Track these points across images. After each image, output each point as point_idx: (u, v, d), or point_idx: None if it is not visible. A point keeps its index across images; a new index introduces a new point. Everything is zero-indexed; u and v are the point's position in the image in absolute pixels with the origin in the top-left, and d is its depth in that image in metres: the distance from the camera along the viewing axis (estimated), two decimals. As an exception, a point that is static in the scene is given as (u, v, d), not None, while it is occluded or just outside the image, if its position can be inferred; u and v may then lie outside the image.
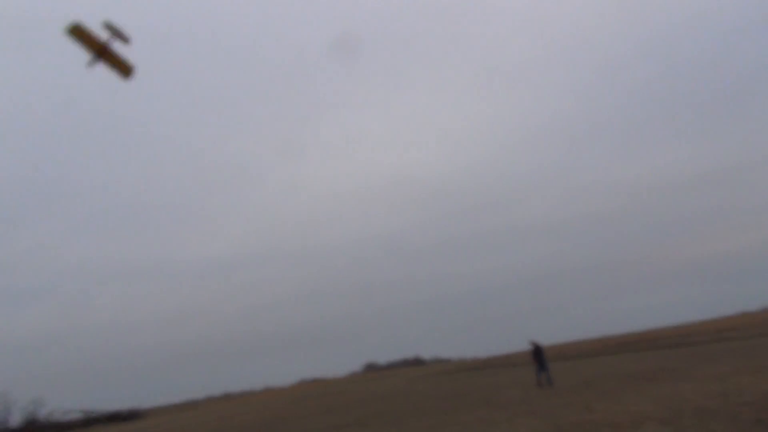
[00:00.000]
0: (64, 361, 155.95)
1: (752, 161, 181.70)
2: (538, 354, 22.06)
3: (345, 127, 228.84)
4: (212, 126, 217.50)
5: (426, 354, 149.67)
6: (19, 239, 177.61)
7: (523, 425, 12.23)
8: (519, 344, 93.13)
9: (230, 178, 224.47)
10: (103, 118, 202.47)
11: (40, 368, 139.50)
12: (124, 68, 11.05)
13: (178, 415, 71.45)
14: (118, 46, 10.78)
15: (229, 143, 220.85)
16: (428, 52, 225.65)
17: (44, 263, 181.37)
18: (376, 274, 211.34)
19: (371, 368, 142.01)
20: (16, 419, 71.80)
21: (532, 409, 15.02)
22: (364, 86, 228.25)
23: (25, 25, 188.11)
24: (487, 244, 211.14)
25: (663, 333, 62.25)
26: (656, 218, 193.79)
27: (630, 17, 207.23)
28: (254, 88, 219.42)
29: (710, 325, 61.81)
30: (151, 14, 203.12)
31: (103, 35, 10.48)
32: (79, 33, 10.19)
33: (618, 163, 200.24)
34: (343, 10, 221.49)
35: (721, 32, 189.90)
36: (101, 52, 10.60)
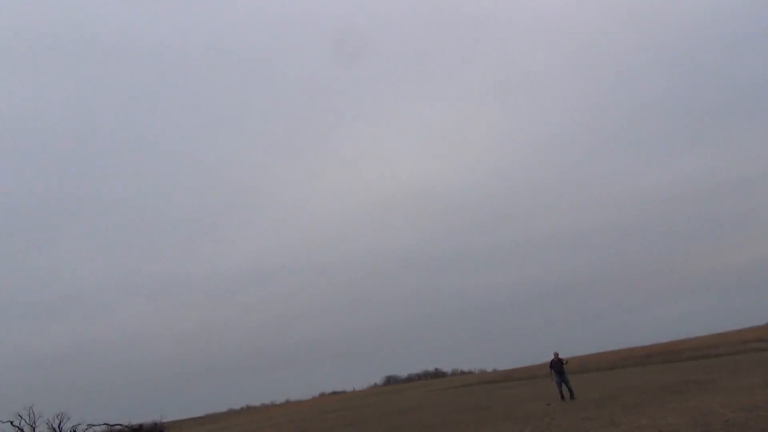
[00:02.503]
0: (88, 374, 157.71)
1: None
2: (557, 365, 21.73)
3: (358, 141, 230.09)
4: (224, 142, 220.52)
5: (446, 366, 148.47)
6: (42, 256, 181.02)
7: (546, 439, 12.12)
8: (540, 356, 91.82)
9: (243, 194, 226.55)
10: (119, 137, 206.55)
11: (64, 382, 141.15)
12: None
13: (200, 428, 71.87)
14: None
15: (242, 159, 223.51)
16: (442, 64, 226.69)
17: (65, 279, 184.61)
18: (394, 287, 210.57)
19: (391, 381, 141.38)
20: (41, 432, 73.00)
21: (556, 422, 14.87)
22: (378, 98, 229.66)
23: (42, 45, 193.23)
24: (506, 256, 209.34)
25: (688, 344, 61.02)
26: (677, 228, 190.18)
27: (643, 28, 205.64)
28: (266, 104, 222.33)
29: (736, 335, 60.39)
30: (163, 29, 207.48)
31: None
32: None
33: (636, 173, 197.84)
34: (353, 20, 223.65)
35: (736, 40, 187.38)
36: None
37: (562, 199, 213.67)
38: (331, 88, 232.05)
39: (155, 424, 78.69)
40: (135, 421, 77.94)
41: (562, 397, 21.50)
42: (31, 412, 73.57)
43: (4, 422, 72.32)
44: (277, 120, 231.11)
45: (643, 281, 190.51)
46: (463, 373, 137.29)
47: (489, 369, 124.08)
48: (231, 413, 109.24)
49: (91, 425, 75.25)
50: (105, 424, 76.15)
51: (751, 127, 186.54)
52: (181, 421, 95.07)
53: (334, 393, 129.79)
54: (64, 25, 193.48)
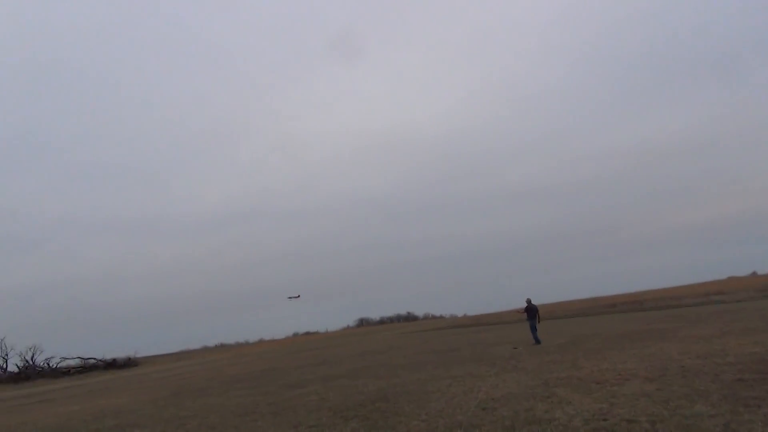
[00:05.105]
0: (61, 310, 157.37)
1: (741, 129, 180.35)
2: (530, 311, 22.34)
3: (335, 83, 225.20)
4: (195, 84, 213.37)
5: (418, 311, 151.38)
6: (3, 194, 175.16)
7: (511, 379, 12.51)
8: (509, 303, 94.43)
9: (216, 137, 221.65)
10: (86, 74, 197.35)
11: (37, 317, 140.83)
12: None
13: (173, 363, 72.78)
14: None
15: (213, 101, 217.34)
16: (425, 13, 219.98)
17: (30, 217, 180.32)
18: (370, 233, 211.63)
19: (364, 323, 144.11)
20: (14, 364, 73.39)
21: (521, 365, 15.35)
22: (355, 40, 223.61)
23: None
24: (480, 206, 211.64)
25: (652, 295, 62.99)
26: (647, 185, 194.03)
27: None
28: (237, 45, 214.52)
29: (698, 288, 62.53)
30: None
31: None
32: None
33: (610, 131, 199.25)
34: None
35: (715, 3, 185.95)
36: None
37: (538, 153, 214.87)
38: (305, 28, 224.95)
39: (129, 358, 79.67)
40: (109, 356, 78.91)
41: (538, 341, 22.05)
42: (2, 344, 73.83)
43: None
44: (250, 61, 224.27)
45: (612, 235, 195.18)
46: (434, 317, 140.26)
47: (459, 314, 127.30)
48: (205, 350, 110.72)
49: (64, 358, 76.04)
50: (79, 357, 76.98)
51: (721, 90, 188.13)
52: (155, 357, 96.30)
53: (308, 333, 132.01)
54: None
